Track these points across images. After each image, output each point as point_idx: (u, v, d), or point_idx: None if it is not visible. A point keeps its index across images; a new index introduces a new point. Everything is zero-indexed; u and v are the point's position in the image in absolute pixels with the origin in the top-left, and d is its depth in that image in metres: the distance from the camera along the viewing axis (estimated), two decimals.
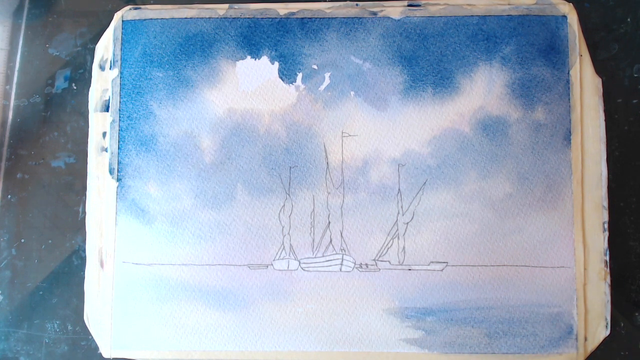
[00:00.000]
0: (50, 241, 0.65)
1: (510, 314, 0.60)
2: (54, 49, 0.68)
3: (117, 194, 0.62)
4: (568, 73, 0.62)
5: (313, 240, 0.61)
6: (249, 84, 0.63)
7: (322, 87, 0.62)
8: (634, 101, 0.65)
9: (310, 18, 0.63)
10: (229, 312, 0.61)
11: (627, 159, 0.64)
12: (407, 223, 0.61)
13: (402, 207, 0.61)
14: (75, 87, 0.67)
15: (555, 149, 0.61)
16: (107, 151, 0.63)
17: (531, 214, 0.60)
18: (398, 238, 0.61)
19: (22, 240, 0.66)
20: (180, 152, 0.62)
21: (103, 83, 0.63)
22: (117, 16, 0.64)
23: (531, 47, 0.62)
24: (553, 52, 0.62)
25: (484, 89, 0.62)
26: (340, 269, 0.61)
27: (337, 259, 0.61)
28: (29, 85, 0.67)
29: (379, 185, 0.61)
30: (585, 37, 0.62)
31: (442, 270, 0.60)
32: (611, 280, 0.60)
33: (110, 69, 0.63)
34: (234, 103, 0.62)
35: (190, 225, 0.61)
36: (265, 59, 0.63)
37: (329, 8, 0.63)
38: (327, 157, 0.62)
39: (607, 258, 0.60)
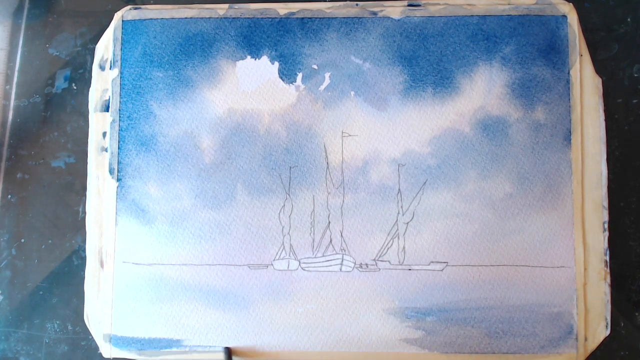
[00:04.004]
0: (50, 241, 0.65)
1: (510, 314, 0.60)
2: (54, 49, 0.68)
3: (117, 194, 0.62)
4: (568, 73, 0.62)
5: (313, 240, 0.61)
6: (249, 84, 0.63)
7: (322, 87, 0.62)
8: (634, 101, 0.65)
9: (310, 18, 0.63)
10: (229, 312, 0.61)
11: (627, 159, 0.64)
12: (407, 223, 0.61)
13: (402, 207, 0.61)
14: (75, 87, 0.67)
15: (555, 149, 0.61)
16: (107, 151, 0.63)
17: (531, 214, 0.60)
18: (398, 238, 0.61)
19: (22, 240, 0.66)
20: (180, 152, 0.62)
21: (103, 83, 0.63)
22: (117, 16, 0.64)
23: (531, 47, 0.62)
24: (553, 52, 0.62)
25: (484, 89, 0.62)
26: (340, 269, 0.61)
27: (337, 259, 0.61)
28: (29, 85, 0.67)
29: (379, 185, 0.61)
30: (585, 37, 0.62)
31: (442, 270, 0.60)
32: (611, 280, 0.60)
33: (110, 69, 0.63)
34: (234, 103, 0.62)
35: (190, 225, 0.61)
36: (265, 59, 0.63)
37: (329, 8, 0.63)
38: (327, 157, 0.62)
39: (607, 258, 0.60)
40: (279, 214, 0.61)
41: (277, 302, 0.61)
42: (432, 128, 0.62)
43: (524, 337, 0.60)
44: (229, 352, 0.59)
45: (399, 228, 0.61)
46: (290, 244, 0.61)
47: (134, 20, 0.63)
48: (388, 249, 0.61)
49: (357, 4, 0.63)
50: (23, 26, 0.68)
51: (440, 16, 0.62)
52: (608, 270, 0.60)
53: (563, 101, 0.61)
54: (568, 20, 0.62)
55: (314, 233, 0.61)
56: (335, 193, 0.62)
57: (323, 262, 0.61)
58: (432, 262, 0.60)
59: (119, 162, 0.62)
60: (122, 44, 0.63)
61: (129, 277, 0.61)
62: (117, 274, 0.61)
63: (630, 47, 0.65)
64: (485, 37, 0.62)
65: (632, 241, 0.63)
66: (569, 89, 0.61)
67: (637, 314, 0.63)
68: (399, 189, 0.61)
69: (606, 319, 0.60)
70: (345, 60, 0.63)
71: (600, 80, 0.62)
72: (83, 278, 0.62)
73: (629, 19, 0.65)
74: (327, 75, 0.63)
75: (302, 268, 0.61)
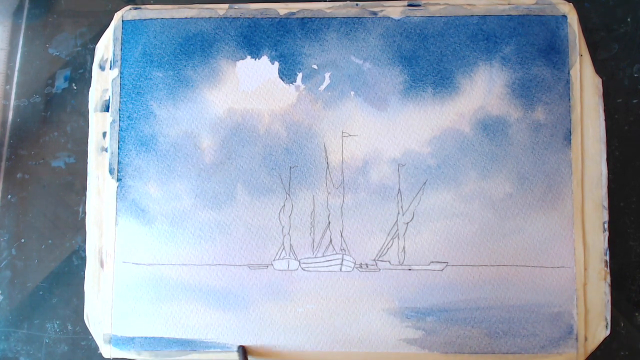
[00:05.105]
0: (50, 241, 0.65)
1: (510, 314, 0.60)
2: (54, 49, 0.68)
3: (117, 194, 0.62)
4: (568, 73, 0.62)
5: (313, 240, 0.61)
6: (249, 84, 0.63)
7: (322, 87, 0.62)
8: (634, 101, 0.65)
9: (310, 18, 0.63)
10: (229, 312, 0.61)
11: (627, 159, 0.64)
12: (407, 223, 0.61)
13: (402, 207, 0.61)
14: (75, 87, 0.67)
15: (555, 149, 0.61)
16: (107, 151, 0.63)
17: (531, 214, 0.60)
18: (398, 238, 0.61)
19: (22, 240, 0.66)
20: (180, 152, 0.62)
21: (103, 83, 0.63)
22: (117, 16, 0.64)
23: (531, 47, 0.62)
24: (553, 52, 0.62)
25: (484, 89, 0.62)
26: (340, 269, 0.61)
27: (337, 259, 0.61)
28: (29, 85, 0.67)
29: (379, 185, 0.61)
30: (585, 37, 0.62)
31: (442, 270, 0.60)
32: (611, 280, 0.60)
33: (110, 69, 0.63)
34: (234, 103, 0.63)
35: (190, 225, 0.61)
36: (265, 59, 0.63)
37: (329, 8, 0.63)
38: (327, 157, 0.62)
39: (607, 258, 0.60)
40: (279, 214, 0.61)
41: (277, 302, 0.61)
42: (432, 128, 0.62)
43: (524, 337, 0.60)
44: (244, 351, 0.59)
45: (399, 228, 0.61)
46: (290, 244, 0.61)
47: (134, 20, 0.63)
48: (388, 249, 0.61)
49: (357, 4, 0.63)
50: (23, 26, 0.68)
51: (440, 16, 0.62)
52: (608, 270, 0.60)
53: (563, 101, 0.61)
54: (568, 20, 0.62)
55: (314, 233, 0.61)
56: (335, 193, 0.62)
57: (323, 262, 0.61)
58: (432, 262, 0.60)
59: (119, 162, 0.62)
60: (122, 44, 0.63)
61: (129, 277, 0.61)
62: (117, 274, 0.61)
63: (630, 47, 0.65)
64: (485, 37, 0.62)
65: (632, 241, 0.63)
66: (569, 89, 0.61)
67: (637, 314, 0.63)
68: (399, 189, 0.61)
69: (606, 319, 0.60)
70: (345, 60, 0.63)
71: (600, 80, 0.62)
72: (83, 278, 0.62)
73: (629, 19, 0.65)
74: (327, 75, 0.63)
75: (302, 268, 0.61)
